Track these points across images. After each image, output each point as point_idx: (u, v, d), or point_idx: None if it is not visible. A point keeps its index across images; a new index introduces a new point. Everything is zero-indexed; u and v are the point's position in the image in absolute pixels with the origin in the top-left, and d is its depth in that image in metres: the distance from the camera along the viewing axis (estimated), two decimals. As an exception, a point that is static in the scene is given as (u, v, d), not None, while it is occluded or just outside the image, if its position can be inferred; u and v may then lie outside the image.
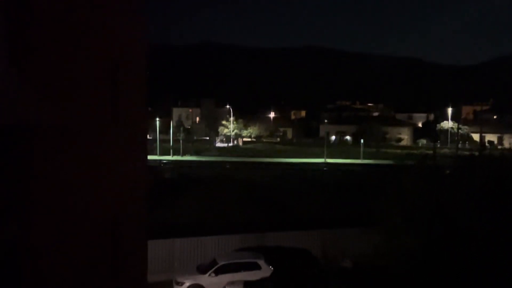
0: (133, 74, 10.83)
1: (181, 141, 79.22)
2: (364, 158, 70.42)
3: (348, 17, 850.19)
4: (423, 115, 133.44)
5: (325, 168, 60.52)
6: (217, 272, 21.31)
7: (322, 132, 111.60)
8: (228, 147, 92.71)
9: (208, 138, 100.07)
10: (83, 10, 8.64)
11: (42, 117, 7.82)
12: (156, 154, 70.32)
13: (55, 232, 8.21)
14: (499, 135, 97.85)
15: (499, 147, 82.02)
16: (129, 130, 10.69)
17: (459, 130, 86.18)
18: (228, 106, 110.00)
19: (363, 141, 75.39)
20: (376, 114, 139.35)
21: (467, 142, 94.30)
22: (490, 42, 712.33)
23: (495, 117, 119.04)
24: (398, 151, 73.93)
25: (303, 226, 27.43)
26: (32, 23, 7.67)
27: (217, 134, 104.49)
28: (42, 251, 8.01)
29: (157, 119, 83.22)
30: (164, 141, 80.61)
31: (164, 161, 64.49)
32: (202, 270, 21.84)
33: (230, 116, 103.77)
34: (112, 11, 9.67)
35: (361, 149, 72.14)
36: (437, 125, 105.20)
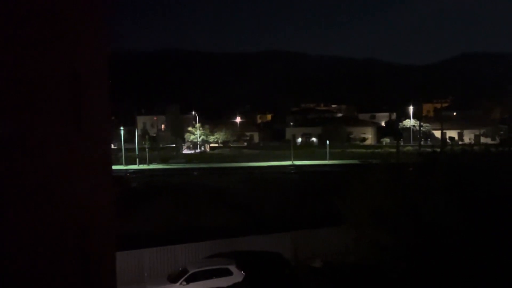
0: (95, 83, 10.68)
1: (147, 149, 78.24)
2: (330, 158, 71.31)
3: (308, 21, 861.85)
4: (386, 114, 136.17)
5: (292, 170, 60.95)
6: (188, 281, 21.14)
7: (288, 135, 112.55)
8: (195, 154, 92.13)
9: (174, 145, 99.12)
10: (43, 20, 8.47)
11: (4, 129, 7.62)
12: (121, 164, 69.24)
13: (20, 244, 7.99)
14: (459, 131, 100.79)
15: (460, 142, 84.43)
16: (92, 140, 10.53)
17: (421, 128, 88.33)
18: (193, 113, 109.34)
19: (329, 142, 76.38)
20: (340, 115, 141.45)
21: (429, 139, 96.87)
22: (448, 41, 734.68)
23: (454, 113, 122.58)
24: (363, 150, 75.22)
25: (273, 229, 27.51)
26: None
27: (183, 141, 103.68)
28: (9, 261, 7.79)
29: (121, 128, 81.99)
30: (130, 150, 79.37)
31: (130, 171, 63.49)
32: (173, 279, 21.62)
33: (196, 123, 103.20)
34: (72, 20, 9.51)
35: (327, 150, 73.02)
36: (400, 123, 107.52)
